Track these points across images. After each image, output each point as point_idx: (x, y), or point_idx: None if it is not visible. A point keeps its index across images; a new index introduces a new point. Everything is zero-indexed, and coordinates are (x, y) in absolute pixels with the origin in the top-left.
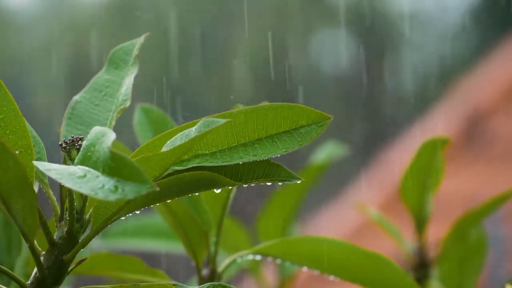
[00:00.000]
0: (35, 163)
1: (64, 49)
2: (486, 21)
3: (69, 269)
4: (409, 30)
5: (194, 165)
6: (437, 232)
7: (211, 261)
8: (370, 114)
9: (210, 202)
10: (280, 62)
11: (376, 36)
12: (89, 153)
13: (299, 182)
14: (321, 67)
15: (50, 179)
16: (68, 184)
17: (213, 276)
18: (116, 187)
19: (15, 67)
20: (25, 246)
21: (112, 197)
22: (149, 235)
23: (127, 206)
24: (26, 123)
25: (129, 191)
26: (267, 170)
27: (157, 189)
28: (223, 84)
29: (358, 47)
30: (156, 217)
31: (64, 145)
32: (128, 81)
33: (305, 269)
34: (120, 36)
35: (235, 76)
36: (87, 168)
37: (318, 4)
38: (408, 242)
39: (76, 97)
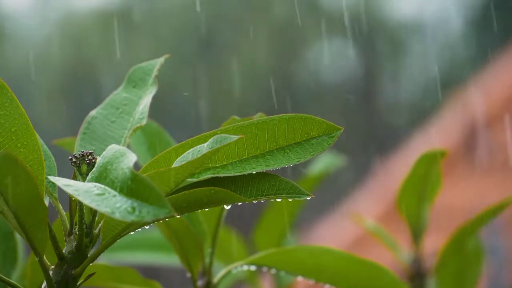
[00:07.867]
0: (51, 178)
1: (59, 56)
2: (485, 32)
3: (78, 283)
4: (409, 41)
5: (207, 176)
6: (436, 243)
7: (207, 272)
8: (369, 124)
9: (205, 213)
10: (281, 71)
11: (375, 47)
12: (106, 171)
13: (308, 198)
14: (320, 76)
15: (59, 193)
16: (86, 201)
17: (209, 287)
18: (133, 208)
19: (9, 75)
20: (20, 258)
21: (129, 218)
22: (145, 248)
23: (137, 222)
24: (37, 136)
25: (147, 213)
26: (276, 186)
27: (176, 215)
28: (224, 90)
29: (357, 57)
30: (151, 230)
31: (74, 159)
32: (146, 100)
33: (300, 278)
34: (116, 44)
35: (236, 83)
36: (102, 186)
37: (318, 14)
38: (405, 252)
39: (93, 113)
